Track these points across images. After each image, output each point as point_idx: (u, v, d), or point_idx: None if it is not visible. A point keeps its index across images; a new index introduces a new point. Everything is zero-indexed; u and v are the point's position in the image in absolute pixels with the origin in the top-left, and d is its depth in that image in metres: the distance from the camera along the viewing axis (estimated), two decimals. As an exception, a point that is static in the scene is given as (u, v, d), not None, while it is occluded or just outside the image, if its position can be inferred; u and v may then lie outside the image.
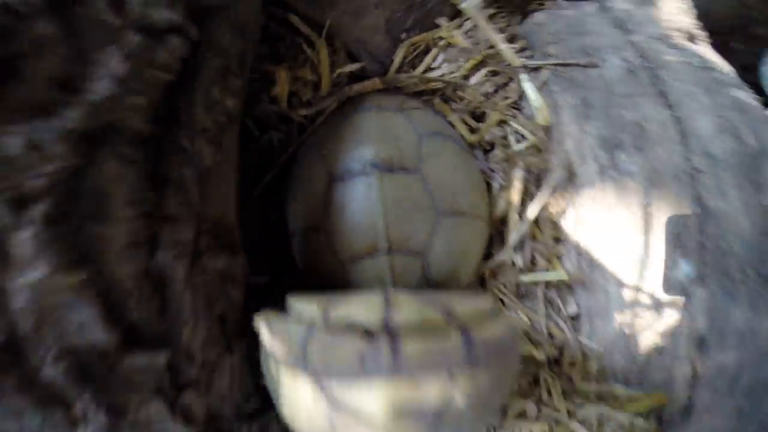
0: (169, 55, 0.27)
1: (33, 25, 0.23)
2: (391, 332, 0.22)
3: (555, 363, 0.51)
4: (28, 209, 0.21)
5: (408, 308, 0.24)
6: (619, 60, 0.44)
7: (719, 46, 0.92)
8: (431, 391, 0.22)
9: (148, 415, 0.27)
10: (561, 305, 0.50)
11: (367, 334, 0.22)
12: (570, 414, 0.50)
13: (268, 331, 0.26)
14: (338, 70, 0.44)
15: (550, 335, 0.50)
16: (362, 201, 0.35)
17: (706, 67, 0.42)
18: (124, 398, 0.25)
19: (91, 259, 0.22)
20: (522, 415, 0.51)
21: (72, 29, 0.24)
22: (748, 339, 0.41)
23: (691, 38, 0.45)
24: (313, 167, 0.39)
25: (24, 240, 0.21)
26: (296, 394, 0.25)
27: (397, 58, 0.49)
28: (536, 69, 0.49)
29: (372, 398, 0.22)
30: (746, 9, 0.82)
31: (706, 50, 0.46)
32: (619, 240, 0.45)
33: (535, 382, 0.51)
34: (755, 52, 0.86)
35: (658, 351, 0.44)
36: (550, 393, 0.51)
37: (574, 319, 0.50)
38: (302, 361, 0.23)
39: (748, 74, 0.92)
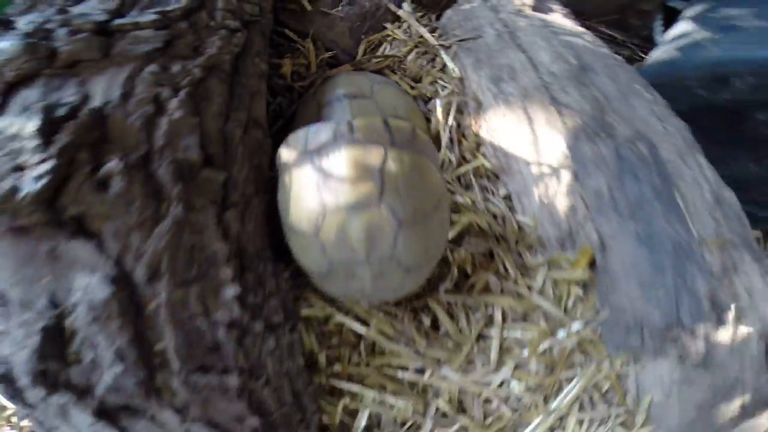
0: (237, 40, 0.59)
1: (176, 24, 0.55)
2: (351, 125, 0.50)
3: (503, 239, 0.69)
4: (179, 92, 0.51)
5: (362, 118, 0.51)
6: (492, 30, 0.75)
7: (620, 23, 1.17)
8: (374, 155, 0.49)
9: (204, 221, 0.47)
10: (494, 190, 0.73)
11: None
12: (530, 288, 0.66)
13: (286, 147, 0.53)
14: (321, 57, 0.77)
15: (494, 216, 0.70)
16: (339, 115, 0.65)
17: (545, 25, 0.73)
18: (194, 200, 0.47)
19: (200, 115, 0.51)
20: (487, 289, 0.66)
21: (195, 27, 0.56)
22: (598, 163, 0.63)
23: (540, 9, 0.77)
24: (308, 104, 0.70)
25: (175, 102, 0.49)
26: (300, 181, 0.51)
27: (360, 51, 0.82)
28: (449, 46, 0.81)
29: (341, 158, 0.49)
30: (627, -11, 1.04)
31: (554, 16, 0.77)
32: (517, 135, 0.69)
33: (491, 256, 0.67)
34: (649, 26, 1.12)
35: (571, 210, 0.64)
36: (506, 269, 0.67)
37: (507, 199, 0.71)
38: (305, 151, 0.50)
39: (650, 44, 1.19)
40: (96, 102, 0.46)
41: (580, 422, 0.61)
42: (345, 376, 0.62)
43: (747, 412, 0.57)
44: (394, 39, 0.82)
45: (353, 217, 0.50)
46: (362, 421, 0.60)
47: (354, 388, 0.60)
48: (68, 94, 0.46)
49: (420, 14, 0.84)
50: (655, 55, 0.86)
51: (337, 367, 0.61)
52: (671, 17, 1.02)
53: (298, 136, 0.53)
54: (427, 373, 0.63)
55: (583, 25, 0.75)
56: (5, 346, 0.44)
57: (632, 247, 0.59)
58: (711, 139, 0.69)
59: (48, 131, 0.42)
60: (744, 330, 0.59)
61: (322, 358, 0.61)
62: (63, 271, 0.43)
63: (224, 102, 0.55)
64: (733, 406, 0.59)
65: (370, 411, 0.61)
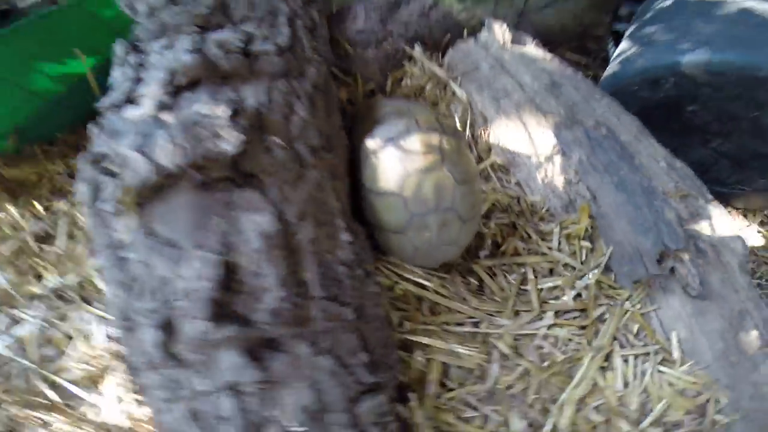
0: (321, 68, 0.84)
1: (285, 54, 0.79)
2: (417, 120, 0.76)
3: (521, 214, 0.91)
4: (300, 100, 0.74)
5: (422, 116, 0.77)
6: (486, 64, 1.06)
7: (581, 48, 1.47)
8: (433, 138, 0.74)
9: (324, 184, 0.66)
10: (507, 179, 1.00)
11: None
12: (550, 249, 0.86)
13: (372, 139, 0.76)
14: (365, 87, 1.04)
15: (510, 198, 0.94)
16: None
17: (524, 55, 1.05)
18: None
19: (315, 117, 0.75)
20: (516, 253, 0.86)
21: (296, 57, 0.80)
22: (575, 142, 0.89)
23: (517, 43, 1.09)
24: (363, 121, 0.94)
25: (300, 106, 0.71)
26: (385, 160, 0.74)
27: (389, 84, 1.10)
28: (455, 78, 1.11)
29: (414, 140, 0.73)
30: (579, 20, 1.27)
31: (528, 48, 1.09)
32: (517, 137, 0.97)
33: (514, 227, 0.89)
34: (605, 48, 1.37)
35: (567, 183, 0.89)
36: (528, 236, 0.88)
37: (518, 185, 0.98)
38: (387, 139, 0.74)
39: (608, 64, 1.50)
40: (251, 103, 0.68)
41: (625, 360, 0.74)
42: (414, 333, 0.73)
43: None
44: (411, 74, 1.12)
45: (425, 177, 0.73)
46: (435, 372, 0.71)
47: (425, 340, 0.73)
48: (228, 97, 0.67)
49: (428, 53, 1.14)
50: (607, 71, 1.20)
51: (407, 326, 0.74)
52: (619, 39, 1.21)
53: (379, 131, 0.78)
54: (484, 324, 0.76)
55: (552, 52, 1.07)
56: (173, 289, 0.56)
57: (614, 193, 0.84)
58: (663, 133, 0.95)
59: (235, 115, 0.63)
60: (724, 259, 0.73)
61: (395, 318, 0.74)
62: (234, 214, 0.60)
63: (324, 110, 0.78)
64: (752, 336, 0.67)
65: (441, 362, 0.72)
